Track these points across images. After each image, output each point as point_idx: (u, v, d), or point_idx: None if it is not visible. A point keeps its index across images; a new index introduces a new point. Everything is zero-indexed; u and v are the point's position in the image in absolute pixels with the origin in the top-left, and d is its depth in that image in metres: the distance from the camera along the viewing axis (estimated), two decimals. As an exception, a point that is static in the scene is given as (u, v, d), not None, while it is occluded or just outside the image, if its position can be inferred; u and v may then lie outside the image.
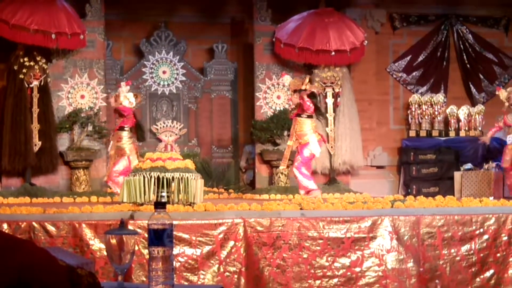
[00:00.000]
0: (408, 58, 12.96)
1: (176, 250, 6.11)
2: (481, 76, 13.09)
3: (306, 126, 8.78)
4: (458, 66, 13.14)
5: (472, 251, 6.82)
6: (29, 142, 10.57)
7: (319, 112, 9.01)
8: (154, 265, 2.58)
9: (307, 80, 8.85)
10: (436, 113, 12.55)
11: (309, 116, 8.77)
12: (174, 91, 12.60)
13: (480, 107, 12.68)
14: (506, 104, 9.72)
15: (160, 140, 12.17)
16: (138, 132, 9.08)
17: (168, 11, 12.67)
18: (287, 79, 9.14)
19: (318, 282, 6.54)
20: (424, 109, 12.56)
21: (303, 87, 8.75)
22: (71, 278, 2.10)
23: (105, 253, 4.73)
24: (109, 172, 9.38)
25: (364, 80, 12.34)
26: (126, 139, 8.95)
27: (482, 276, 6.82)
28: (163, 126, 12.27)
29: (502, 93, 9.85)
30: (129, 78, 12.42)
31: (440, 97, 12.66)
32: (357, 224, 6.71)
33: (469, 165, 11.30)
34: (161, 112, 12.56)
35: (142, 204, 7.12)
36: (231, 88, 12.87)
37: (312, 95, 8.82)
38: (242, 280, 6.43)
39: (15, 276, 1.96)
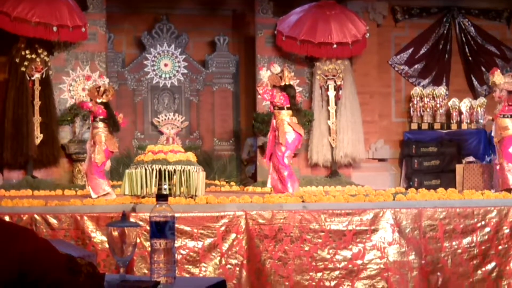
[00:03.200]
0: (410, 50, 12.94)
1: (177, 243, 6.12)
2: (483, 69, 13.05)
3: (280, 118, 8.53)
4: (460, 58, 13.12)
5: (473, 244, 6.83)
6: (30, 134, 10.57)
7: (294, 106, 8.64)
8: (156, 257, 2.58)
9: (285, 74, 8.60)
10: (438, 105, 12.54)
11: (281, 108, 8.55)
12: (176, 83, 12.59)
13: (482, 99, 12.65)
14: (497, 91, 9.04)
15: (161, 133, 12.18)
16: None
17: (170, 4, 12.65)
18: (263, 73, 8.75)
19: (319, 274, 6.55)
20: (426, 102, 12.54)
21: (283, 83, 8.52)
22: (71, 266, 2.10)
23: (107, 245, 4.73)
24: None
25: (366, 72, 12.32)
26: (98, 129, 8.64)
27: (483, 269, 6.82)
28: (165, 119, 12.27)
29: (498, 77, 9.02)
30: (131, 70, 12.43)
31: (442, 89, 12.64)
32: (359, 217, 6.72)
33: (471, 158, 11.29)
34: (162, 105, 12.55)
35: (144, 197, 7.13)
36: (233, 80, 12.86)
37: (285, 88, 8.55)
38: (244, 273, 6.44)
39: (16, 264, 1.97)
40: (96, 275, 2.20)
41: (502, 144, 8.89)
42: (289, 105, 8.45)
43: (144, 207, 6.46)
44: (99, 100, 8.38)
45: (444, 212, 6.84)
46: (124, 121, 8.87)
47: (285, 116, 8.43)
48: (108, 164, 8.80)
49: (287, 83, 8.50)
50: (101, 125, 8.36)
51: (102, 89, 8.45)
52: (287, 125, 8.39)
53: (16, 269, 1.97)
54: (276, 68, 8.60)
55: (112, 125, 8.39)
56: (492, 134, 9.29)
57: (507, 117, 8.91)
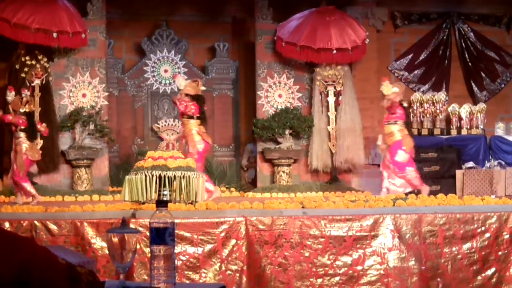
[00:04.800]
0: (410, 56, 12.96)
1: (177, 249, 6.12)
2: (483, 75, 13.08)
3: (189, 127, 8.84)
4: (460, 64, 13.13)
5: (473, 249, 6.83)
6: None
7: (202, 115, 9.01)
8: (155, 263, 2.58)
9: (200, 84, 9.03)
10: (438, 111, 12.54)
11: (190, 117, 8.87)
12: (176, 89, 12.57)
13: (482, 105, 12.66)
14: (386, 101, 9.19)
15: (161, 139, 12.18)
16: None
17: (170, 10, 12.66)
18: (180, 81, 9.12)
19: (319, 280, 6.55)
20: (425, 108, 12.54)
21: (199, 92, 8.93)
22: (71, 275, 2.10)
23: (107, 251, 4.73)
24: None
25: (365, 78, 12.32)
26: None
27: (483, 274, 6.82)
28: (165, 125, 12.28)
29: (386, 88, 9.22)
30: (131, 76, 12.43)
31: (441, 95, 12.64)
32: (359, 223, 6.72)
33: (470, 163, 11.29)
34: (162, 111, 12.55)
35: (144, 203, 7.13)
36: (233, 86, 12.86)
37: (197, 98, 8.92)
38: (244, 279, 6.44)
39: (15, 274, 1.96)
40: (96, 284, 2.19)
41: (389, 151, 9.14)
42: (198, 115, 8.85)
43: (144, 213, 6.46)
44: (22, 110, 8.67)
45: (444, 218, 6.84)
46: (46, 130, 9.18)
47: (194, 125, 8.86)
48: (35, 167, 9.18)
49: (199, 93, 8.95)
50: (22, 135, 8.63)
51: (24, 99, 8.74)
52: (196, 134, 8.78)
53: (15, 278, 1.96)
54: (180, 81, 8.98)
55: (32, 134, 8.68)
56: (378, 143, 9.45)
57: (392, 123, 9.19)
